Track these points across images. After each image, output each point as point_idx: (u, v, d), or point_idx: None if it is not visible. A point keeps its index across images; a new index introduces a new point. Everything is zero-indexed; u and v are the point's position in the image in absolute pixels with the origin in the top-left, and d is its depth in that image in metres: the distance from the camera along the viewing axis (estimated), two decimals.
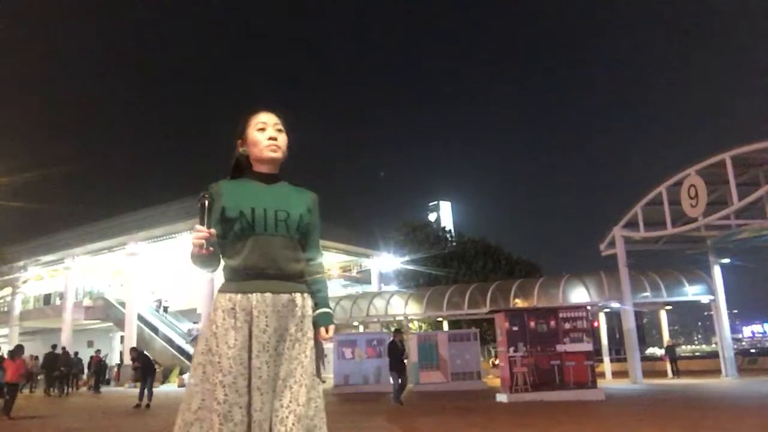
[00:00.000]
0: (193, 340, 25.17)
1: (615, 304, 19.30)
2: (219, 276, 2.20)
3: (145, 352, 15.05)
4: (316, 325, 2.11)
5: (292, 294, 2.04)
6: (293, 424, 1.88)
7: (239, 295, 1.99)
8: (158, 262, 32.57)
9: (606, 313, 21.23)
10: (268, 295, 2.00)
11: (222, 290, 2.05)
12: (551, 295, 20.34)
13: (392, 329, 15.59)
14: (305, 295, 2.10)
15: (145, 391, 12.73)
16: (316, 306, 2.13)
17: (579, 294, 20.13)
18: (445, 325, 23.76)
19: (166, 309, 34.47)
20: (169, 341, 30.54)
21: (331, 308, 2.17)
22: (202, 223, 1.97)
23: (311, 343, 2.05)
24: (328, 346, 14.04)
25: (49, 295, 37.00)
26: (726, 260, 19.26)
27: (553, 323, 11.61)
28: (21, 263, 33.63)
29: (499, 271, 31.02)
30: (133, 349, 14.98)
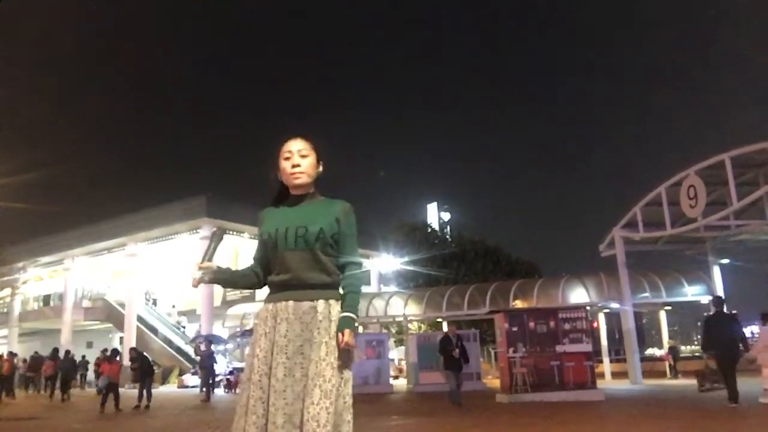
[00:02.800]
0: (193, 341, 25.15)
1: (614, 305, 19.30)
2: (231, 288, 2.39)
3: (144, 353, 15.06)
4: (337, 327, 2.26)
5: (315, 301, 2.25)
6: (326, 420, 2.07)
7: (271, 305, 2.29)
8: (158, 263, 32.59)
9: (605, 314, 21.25)
10: (290, 303, 2.25)
11: (264, 301, 2.36)
12: (551, 296, 20.34)
13: (445, 323, 14.11)
14: (330, 301, 2.28)
15: (144, 392, 12.73)
16: (341, 309, 2.28)
17: (578, 294, 20.14)
18: (445, 326, 23.75)
19: (155, 302, 34.31)
20: (169, 342, 30.53)
21: (353, 313, 2.26)
22: (204, 256, 2.32)
23: (335, 344, 2.21)
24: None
25: (49, 296, 36.97)
26: (725, 261, 19.28)
27: (552, 324, 11.62)
28: (20, 264, 33.62)
29: (498, 272, 31.03)
30: (132, 350, 15.00)
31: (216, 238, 2.47)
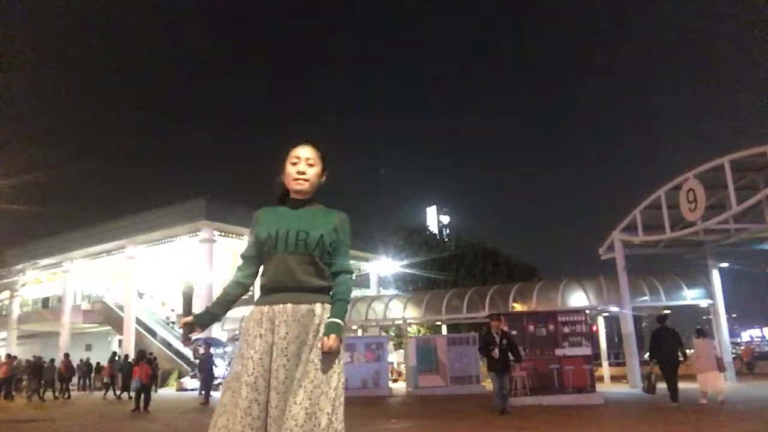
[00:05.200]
0: (192, 343, 25.09)
1: (614, 308, 19.29)
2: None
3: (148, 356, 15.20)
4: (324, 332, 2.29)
5: (312, 305, 2.29)
6: (304, 420, 2.09)
7: (266, 307, 2.30)
8: (157, 266, 32.56)
9: (605, 317, 21.23)
10: (289, 305, 2.27)
11: (255, 303, 2.35)
12: (550, 299, 20.32)
13: (490, 314, 10.93)
14: (326, 306, 2.32)
15: (142, 394, 12.72)
16: (329, 315, 2.32)
17: (578, 298, 20.12)
18: (444, 329, 23.74)
19: (141, 295, 34.15)
20: (167, 344, 30.48)
21: (341, 319, 2.30)
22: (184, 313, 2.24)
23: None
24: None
25: (48, 298, 36.92)
26: (725, 264, 19.27)
27: (552, 327, 11.60)
28: (19, 266, 33.59)
29: (498, 275, 31.01)
30: (139, 352, 15.46)
31: (187, 290, 2.49)
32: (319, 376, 2.18)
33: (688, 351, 11.09)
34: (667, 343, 10.62)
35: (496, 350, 9.52)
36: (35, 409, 14.98)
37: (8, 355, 21.84)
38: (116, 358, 22.39)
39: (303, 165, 2.39)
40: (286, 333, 2.22)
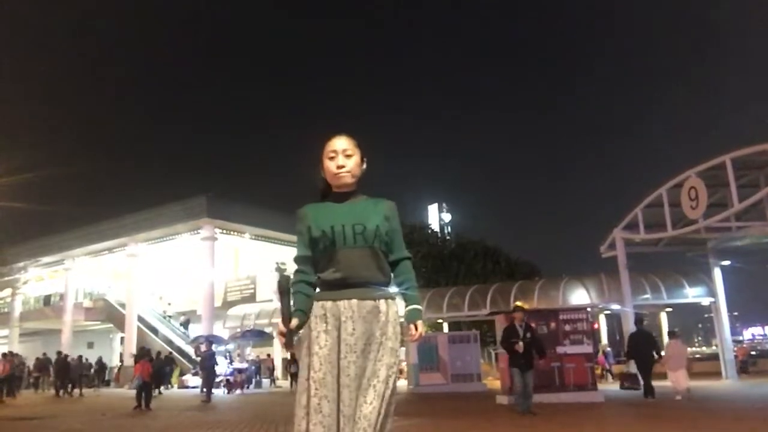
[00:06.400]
0: (193, 341, 25.15)
1: (615, 306, 19.30)
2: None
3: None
4: (407, 320, 2.35)
5: (377, 300, 2.27)
6: (376, 420, 2.10)
7: (329, 303, 2.25)
8: (159, 263, 32.58)
9: (606, 315, 21.25)
10: (354, 301, 2.24)
11: (316, 299, 2.31)
12: (551, 297, 20.34)
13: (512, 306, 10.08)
14: (389, 301, 2.31)
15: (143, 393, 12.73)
16: (406, 303, 2.37)
17: (579, 296, 20.13)
18: (445, 327, 23.76)
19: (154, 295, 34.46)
20: (169, 342, 30.51)
21: (419, 304, 2.36)
22: (283, 314, 2.26)
23: (391, 345, 2.25)
24: None
25: (50, 296, 36.96)
26: (726, 262, 19.25)
27: (553, 325, 11.59)
28: (21, 264, 33.61)
29: (499, 273, 30.99)
30: (140, 349, 15.57)
31: (284, 294, 2.32)
32: (386, 375, 2.18)
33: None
34: (643, 344, 11.74)
35: (521, 343, 8.75)
36: (38, 406, 15.01)
37: (10, 353, 21.87)
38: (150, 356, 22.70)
39: (341, 158, 2.35)
40: (353, 329, 2.20)
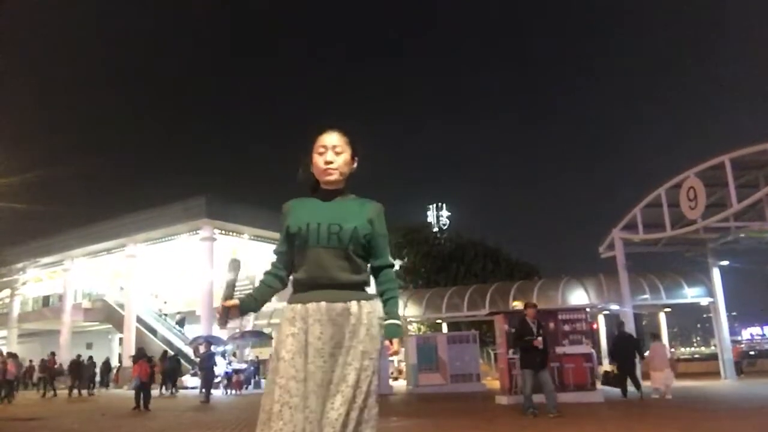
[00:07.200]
0: (192, 342, 25.12)
1: (614, 307, 19.30)
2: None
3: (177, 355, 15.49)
4: (384, 336, 2.22)
5: (347, 303, 2.16)
6: (344, 426, 2.02)
7: (299, 305, 2.17)
8: (158, 264, 32.55)
9: (605, 316, 21.24)
10: (323, 304, 2.14)
11: (288, 301, 2.23)
12: (550, 297, 20.33)
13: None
14: (361, 303, 2.19)
15: (141, 394, 12.72)
16: (386, 316, 2.25)
17: (578, 296, 20.14)
18: (444, 327, 23.76)
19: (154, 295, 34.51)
20: (168, 343, 30.49)
21: (398, 319, 2.24)
22: (225, 292, 2.24)
23: (363, 348, 2.13)
24: None
25: (48, 296, 36.93)
26: (725, 262, 19.27)
27: (552, 325, 11.59)
28: (20, 265, 33.53)
29: (498, 273, 30.97)
30: (139, 350, 15.80)
31: (233, 270, 2.32)
32: (355, 379, 2.08)
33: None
34: (625, 346, 12.57)
35: (540, 339, 8.35)
36: (37, 406, 14.99)
37: (9, 353, 21.86)
38: (166, 356, 22.81)
39: (330, 154, 2.25)
40: (321, 333, 2.11)
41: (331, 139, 2.28)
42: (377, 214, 2.29)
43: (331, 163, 2.25)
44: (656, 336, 14.29)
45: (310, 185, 2.35)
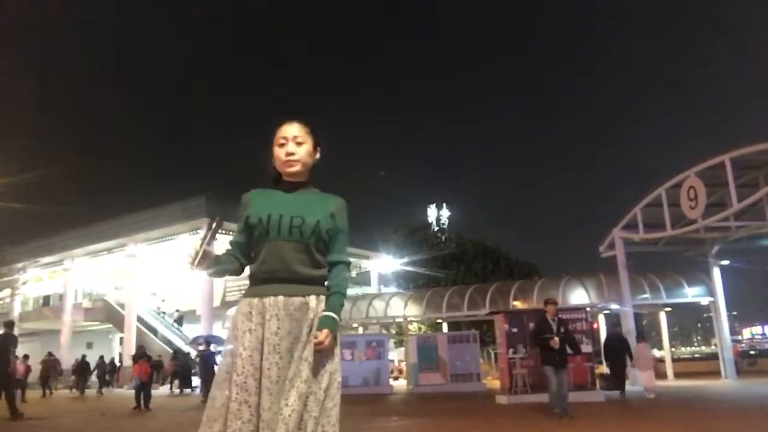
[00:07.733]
0: (192, 342, 25.13)
1: (614, 306, 19.29)
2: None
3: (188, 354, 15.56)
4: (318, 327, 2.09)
5: (306, 297, 2.10)
6: (295, 424, 1.94)
7: (256, 299, 2.09)
8: (158, 264, 32.55)
9: (606, 315, 21.22)
10: (281, 298, 2.07)
11: (244, 295, 2.16)
12: (550, 297, 20.31)
13: (545, 301, 8.97)
14: (321, 297, 2.14)
15: (141, 393, 12.72)
16: (324, 308, 2.13)
17: (578, 295, 20.13)
18: (445, 327, 23.75)
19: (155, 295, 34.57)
20: (168, 342, 30.49)
21: (336, 314, 2.12)
22: (202, 241, 2.11)
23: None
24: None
25: (49, 296, 36.91)
26: (725, 262, 19.27)
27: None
28: (20, 264, 33.59)
29: (498, 273, 30.98)
30: (139, 349, 15.88)
31: (216, 225, 2.20)
32: (311, 375, 2.02)
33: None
34: (616, 347, 13.04)
35: (556, 339, 8.13)
36: (36, 406, 14.99)
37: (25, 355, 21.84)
38: (177, 355, 23.04)
39: (291, 145, 2.19)
40: (278, 328, 2.03)
41: (292, 129, 2.22)
42: (339, 209, 2.23)
43: (292, 154, 2.19)
44: (642, 337, 14.86)
45: (272, 177, 2.29)
